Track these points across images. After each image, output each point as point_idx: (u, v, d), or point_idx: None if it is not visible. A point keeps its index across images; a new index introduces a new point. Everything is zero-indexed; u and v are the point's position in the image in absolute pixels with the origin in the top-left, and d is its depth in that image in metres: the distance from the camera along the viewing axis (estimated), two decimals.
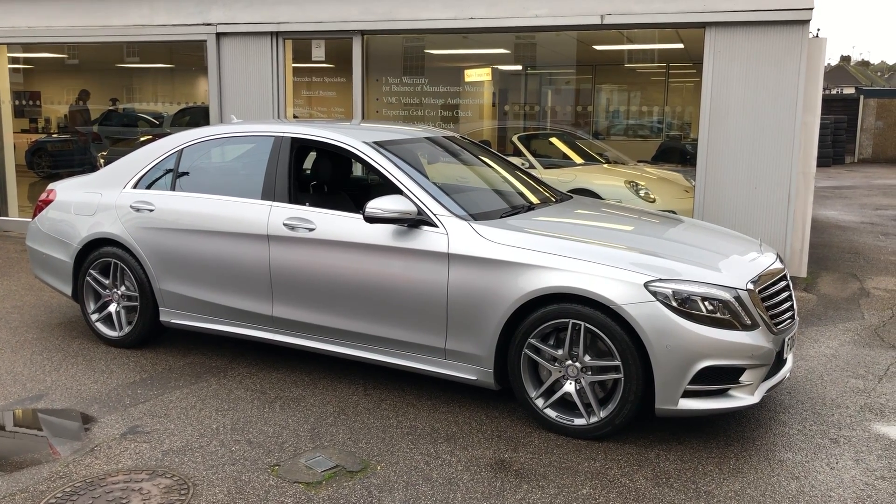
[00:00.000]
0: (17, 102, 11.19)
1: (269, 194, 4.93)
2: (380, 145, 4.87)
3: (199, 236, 5.07)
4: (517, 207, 4.88)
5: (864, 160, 25.64)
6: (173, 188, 5.34)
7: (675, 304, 3.84)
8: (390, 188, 4.62)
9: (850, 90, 39.44)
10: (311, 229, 4.69)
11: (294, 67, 9.40)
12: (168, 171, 5.41)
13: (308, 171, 5.65)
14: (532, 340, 4.12)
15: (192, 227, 5.10)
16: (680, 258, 4.12)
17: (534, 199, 5.18)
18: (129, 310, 5.56)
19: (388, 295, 4.46)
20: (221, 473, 3.69)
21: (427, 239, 4.36)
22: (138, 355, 5.41)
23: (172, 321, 5.34)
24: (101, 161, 10.88)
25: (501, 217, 4.56)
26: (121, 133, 11.25)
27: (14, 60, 11.07)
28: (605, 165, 9.70)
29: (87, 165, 11.11)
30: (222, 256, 5.00)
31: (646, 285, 3.87)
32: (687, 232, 4.80)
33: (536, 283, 4.05)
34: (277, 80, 9.09)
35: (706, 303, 3.86)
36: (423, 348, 4.43)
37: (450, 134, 5.81)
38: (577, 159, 9.69)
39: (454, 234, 4.31)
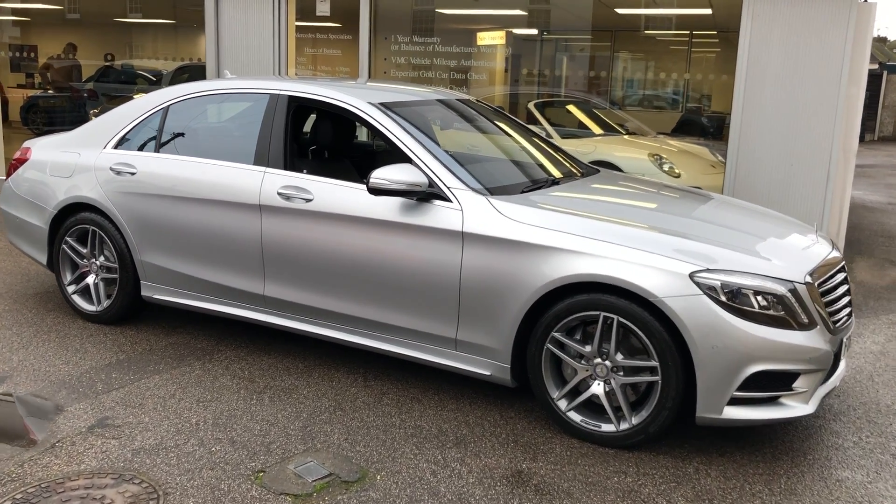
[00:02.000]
0: (14, 55, 10.62)
1: (262, 159, 4.40)
2: (387, 107, 4.33)
3: (185, 204, 4.55)
4: (539, 181, 4.34)
5: (885, 138, 24.95)
6: (158, 150, 4.81)
7: (723, 298, 3.33)
8: (398, 156, 4.09)
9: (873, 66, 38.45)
10: (309, 200, 4.16)
11: (297, 25, 8.80)
12: (153, 131, 4.88)
13: (307, 135, 5.11)
14: (556, 334, 3.61)
15: (176, 193, 4.57)
16: (728, 245, 3.59)
17: (556, 173, 4.64)
18: (109, 282, 5.06)
19: (393, 276, 3.95)
20: (198, 480, 3.21)
21: (439, 215, 3.84)
22: (117, 333, 4.93)
23: (154, 296, 4.84)
24: (93, 118, 10.32)
25: (523, 192, 4.03)
26: (117, 90, 10.69)
27: (12, 12, 10.48)
28: (626, 137, 9.13)
29: (82, 123, 10.56)
30: (210, 227, 4.48)
31: (691, 276, 3.36)
32: (732, 214, 4.26)
33: (563, 270, 3.53)
34: (279, 37, 8.50)
35: (759, 297, 3.35)
36: (432, 337, 3.93)
37: (464, 97, 5.26)
38: (596, 129, 9.11)
39: (470, 211, 3.79)
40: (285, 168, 4.34)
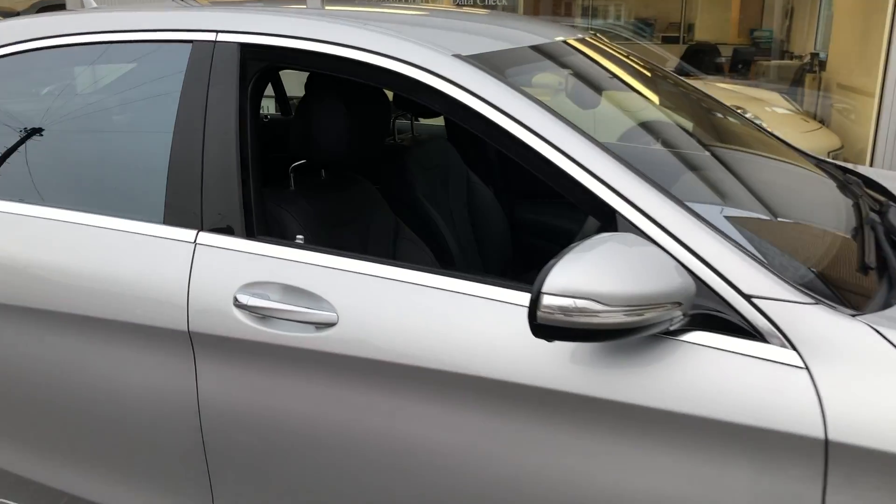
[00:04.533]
0: None
1: (184, 209, 1.77)
2: (492, 67, 1.72)
3: (11, 326, 1.90)
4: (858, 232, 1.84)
5: None
6: None
7: None
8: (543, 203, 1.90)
9: None
10: (324, 325, 1.59)
11: None
12: None
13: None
14: None
15: None
16: None
17: (867, 202, 2.11)
18: None
19: None
20: None
21: (728, 386, 1.33)
22: None
23: None
24: None
25: (890, 283, 1.54)
26: None
27: None
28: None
29: None
30: (72, 383, 1.85)
31: None
32: None
33: None
34: None
35: None
36: None
37: (583, 37, 2.66)
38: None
39: (832, 371, 1.29)
40: (247, 229, 1.73)
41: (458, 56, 1.66)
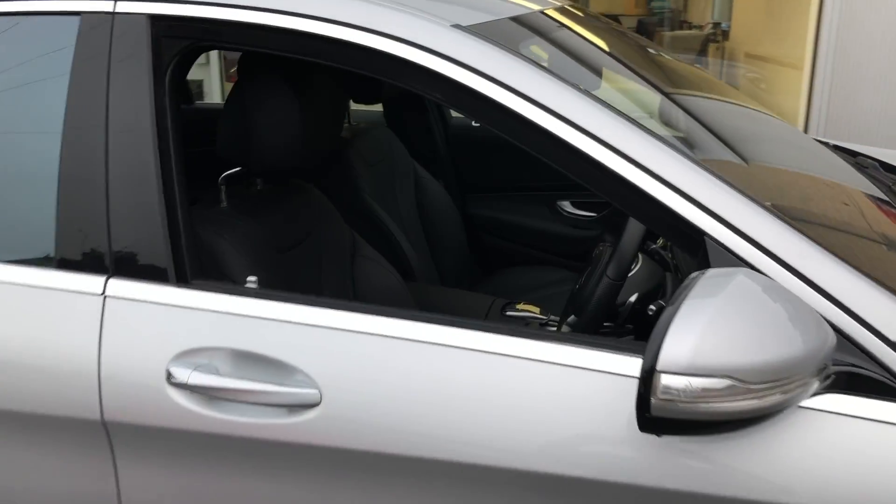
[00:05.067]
0: None
1: (85, 244, 1.27)
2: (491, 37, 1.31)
3: None
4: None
5: None
6: None
7: None
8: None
9: None
10: (308, 406, 1.14)
11: None
12: None
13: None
14: None
15: None
16: None
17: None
18: None
19: None
20: None
21: None
22: None
23: None
24: None
25: None
26: None
27: None
28: None
29: None
30: None
31: None
32: None
33: None
34: None
35: None
36: None
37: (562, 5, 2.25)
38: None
39: None
40: (178, 271, 1.25)
41: (458, 27, 1.23)
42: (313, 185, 1.83)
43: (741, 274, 0.96)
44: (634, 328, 1.45)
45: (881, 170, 1.96)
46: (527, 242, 2.72)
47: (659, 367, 0.87)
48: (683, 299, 0.91)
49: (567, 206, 2.70)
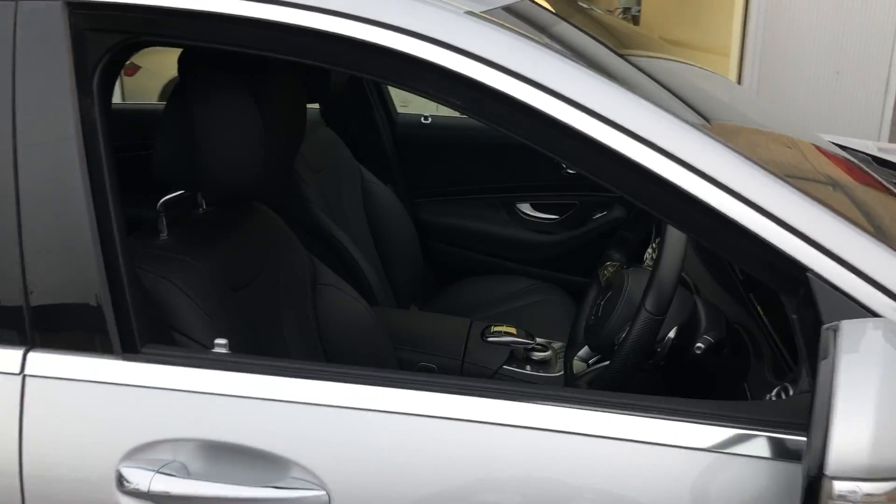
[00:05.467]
0: None
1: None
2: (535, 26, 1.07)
3: None
4: None
5: None
6: None
7: None
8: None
9: None
10: None
11: None
12: None
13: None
14: None
15: None
16: None
17: None
18: None
19: None
20: None
21: None
22: None
23: None
24: None
25: None
26: None
27: None
28: None
29: None
30: None
31: None
32: None
33: None
34: None
35: None
36: None
37: None
38: None
39: None
40: (124, 336, 0.95)
41: (471, 14, 0.98)
42: (261, 203, 1.54)
43: (884, 327, 0.75)
44: (666, 366, 1.24)
45: (875, 164, 1.83)
46: (484, 250, 2.50)
47: (829, 472, 0.65)
48: (836, 374, 0.70)
49: (527, 208, 2.48)
